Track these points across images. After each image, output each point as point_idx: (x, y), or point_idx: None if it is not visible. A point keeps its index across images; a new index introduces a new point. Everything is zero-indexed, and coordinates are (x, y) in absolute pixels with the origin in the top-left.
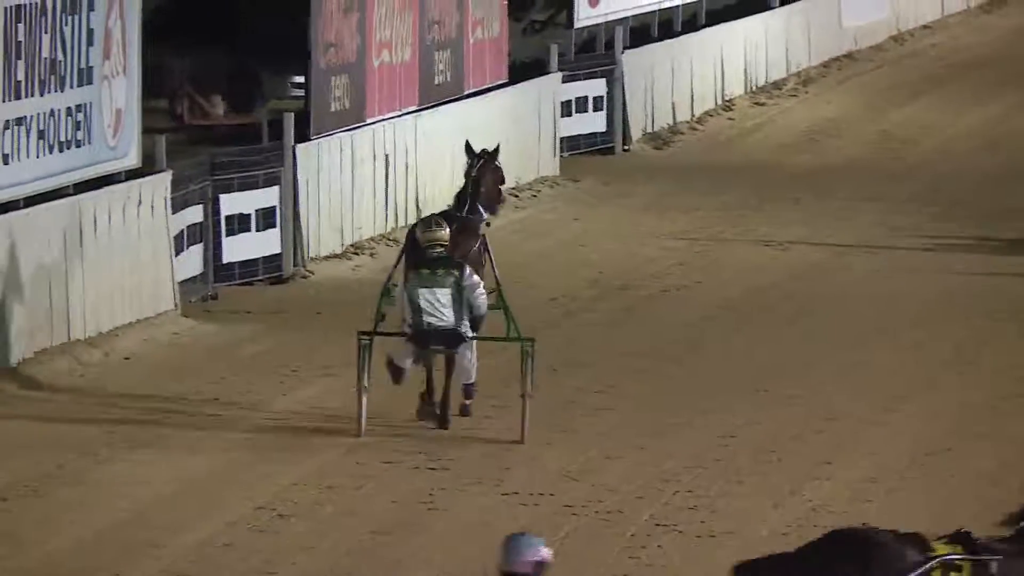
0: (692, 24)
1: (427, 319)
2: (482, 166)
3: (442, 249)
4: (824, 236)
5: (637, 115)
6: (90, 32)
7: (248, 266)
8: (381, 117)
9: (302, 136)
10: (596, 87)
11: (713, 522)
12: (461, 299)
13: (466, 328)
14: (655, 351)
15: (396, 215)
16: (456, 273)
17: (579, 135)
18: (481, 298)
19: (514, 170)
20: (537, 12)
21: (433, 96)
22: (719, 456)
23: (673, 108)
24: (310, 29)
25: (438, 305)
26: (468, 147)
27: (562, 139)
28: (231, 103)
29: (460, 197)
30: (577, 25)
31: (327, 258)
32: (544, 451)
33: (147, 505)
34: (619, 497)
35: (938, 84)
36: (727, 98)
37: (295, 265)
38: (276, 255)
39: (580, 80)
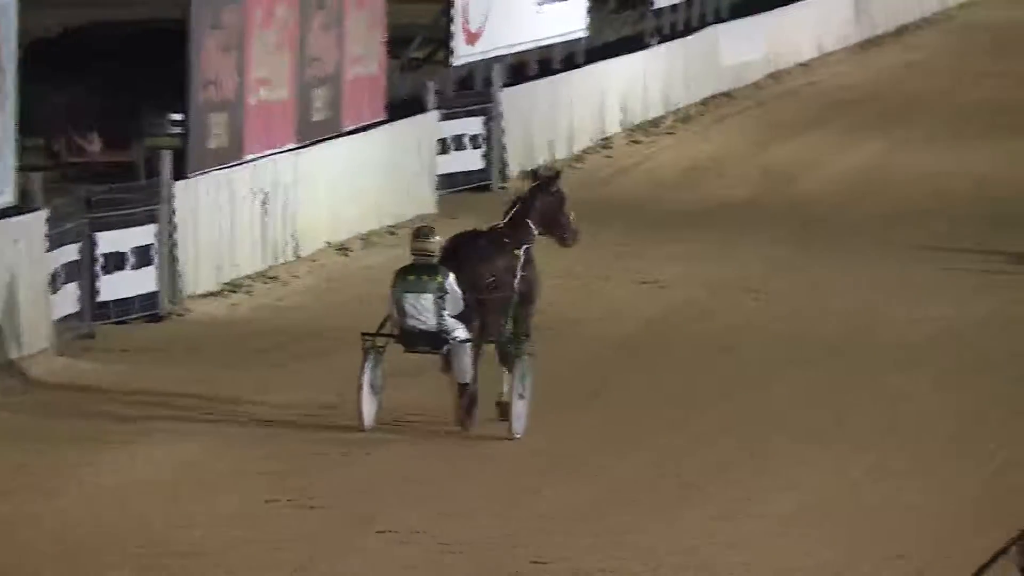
0: (571, 62)
1: (411, 321)
2: (533, 187)
3: (428, 257)
4: (703, 272)
5: (515, 152)
6: None
7: (124, 304)
8: (259, 155)
9: (180, 173)
10: (474, 125)
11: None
12: (444, 303)
13: (452, 330)
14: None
15: (274, 253)
16: (439, 279)
17: (457, 172)
18: (454, 304)
19: (392, 207)
20: (415, 50)
21: (311, 133)
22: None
23: (551, 146)
24: (189, 66)
25: (421, 308)
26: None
27: (440, 176)
28: (108, 140)
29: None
30: (455, 63)
31: (204, 296)
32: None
33: (29, 556)
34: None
35: (816, 122)
36: (605, 136)
37: (171, 303)
38: (152, 293)
39: (458, 118)
